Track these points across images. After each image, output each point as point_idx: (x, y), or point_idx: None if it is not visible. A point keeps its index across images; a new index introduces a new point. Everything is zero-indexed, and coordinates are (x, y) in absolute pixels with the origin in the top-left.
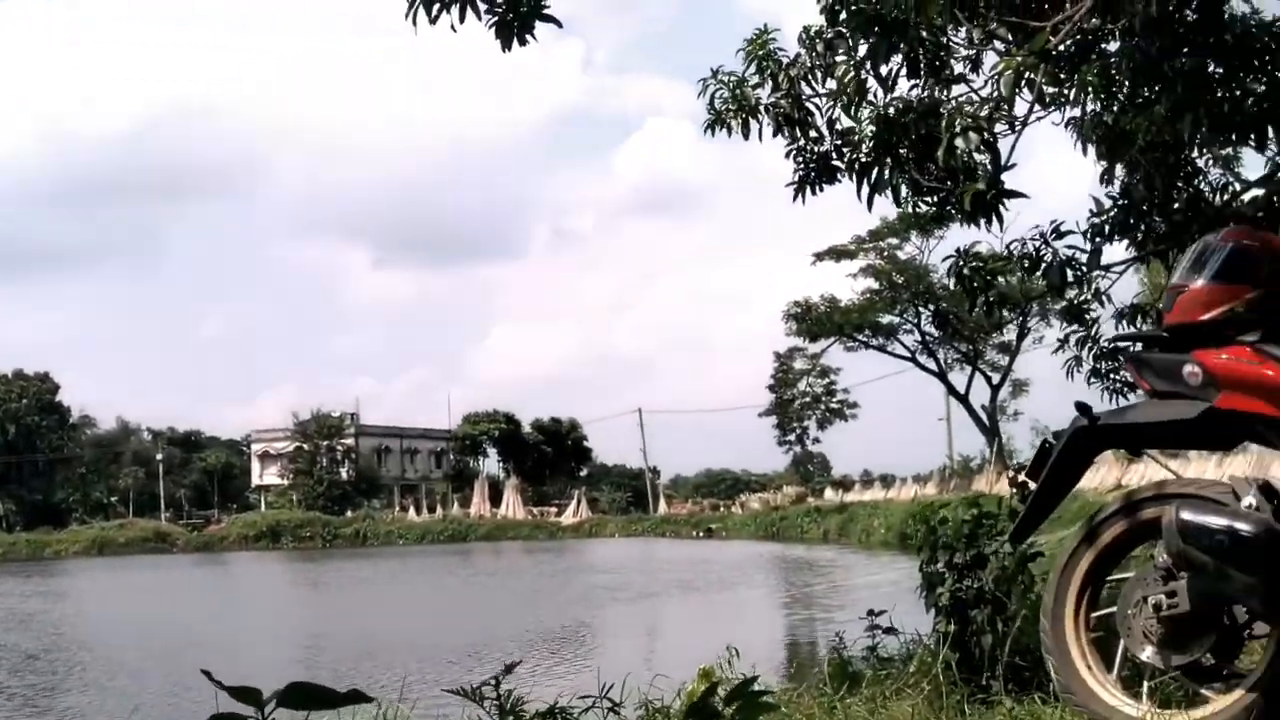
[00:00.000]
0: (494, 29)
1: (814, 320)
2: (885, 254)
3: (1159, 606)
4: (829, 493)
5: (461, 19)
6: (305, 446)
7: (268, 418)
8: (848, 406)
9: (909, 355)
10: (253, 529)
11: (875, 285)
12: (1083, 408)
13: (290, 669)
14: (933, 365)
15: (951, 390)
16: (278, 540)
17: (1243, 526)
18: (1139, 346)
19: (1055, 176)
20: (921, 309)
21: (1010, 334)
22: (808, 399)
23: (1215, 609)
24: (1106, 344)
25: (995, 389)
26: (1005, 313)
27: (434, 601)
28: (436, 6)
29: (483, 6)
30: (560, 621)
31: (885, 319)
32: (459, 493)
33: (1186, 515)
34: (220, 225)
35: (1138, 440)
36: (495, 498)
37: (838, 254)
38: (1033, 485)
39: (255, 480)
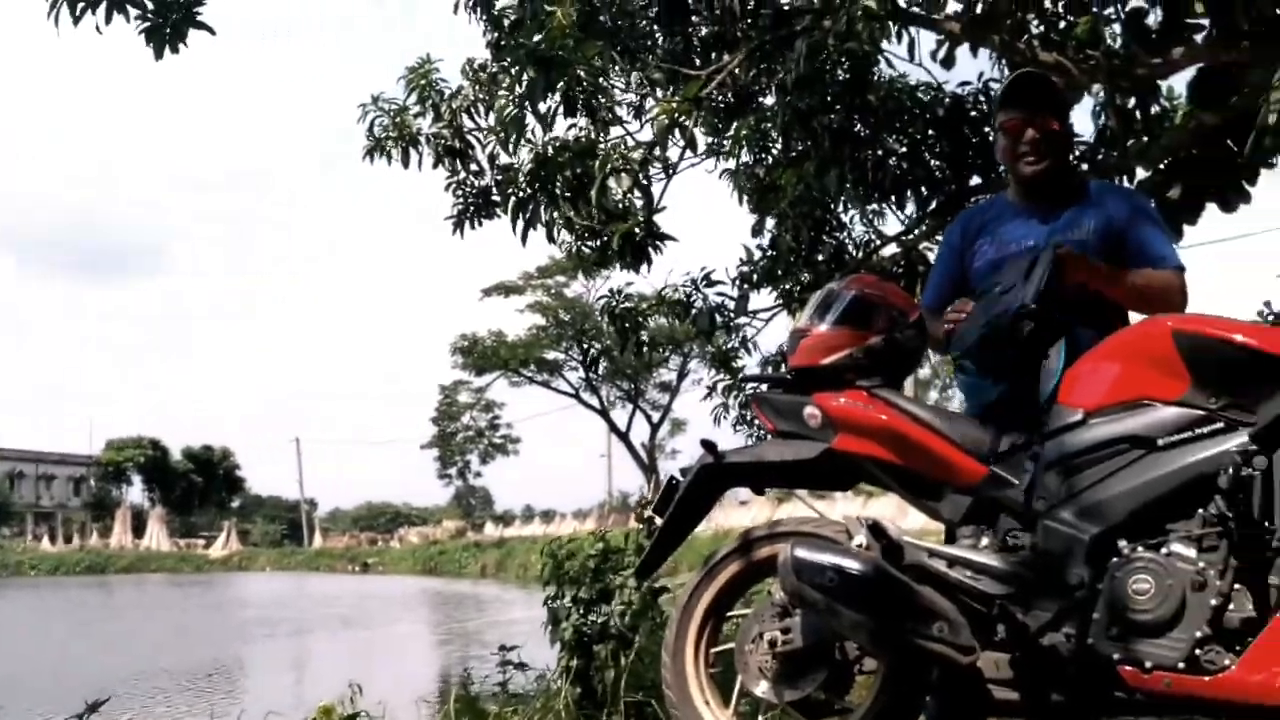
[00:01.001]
0: (144, 34)
1: (480, 354)
2: (553, 291)
3: (774, 642)
4: (490, 527)
5: (108, 20)
6: None
7: None
8: (511, 441)
9: (573, 392)
10: None
11: (542, 321)
12: (709, 445)
13: None
14: (596, 402)
15: (613, 427)
16: None
17: (852, 565)
18: (765, 387)
19: (721, 224)
20: (587, 346)
21: (671, 374)
22: (471, 433)
23: (826, 645)
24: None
25: (655, 427)
26: (663, 352)
27: (62, 636)
28: (81, 5)
29: (134, 12)
30: (194, 658)
31: (551, 355)
32: (99, 522)
33: (800, 553)
34: None
35: (761, 478)
36: (140, 528)
37: (506, 290)
38: (659, 521)
39: None
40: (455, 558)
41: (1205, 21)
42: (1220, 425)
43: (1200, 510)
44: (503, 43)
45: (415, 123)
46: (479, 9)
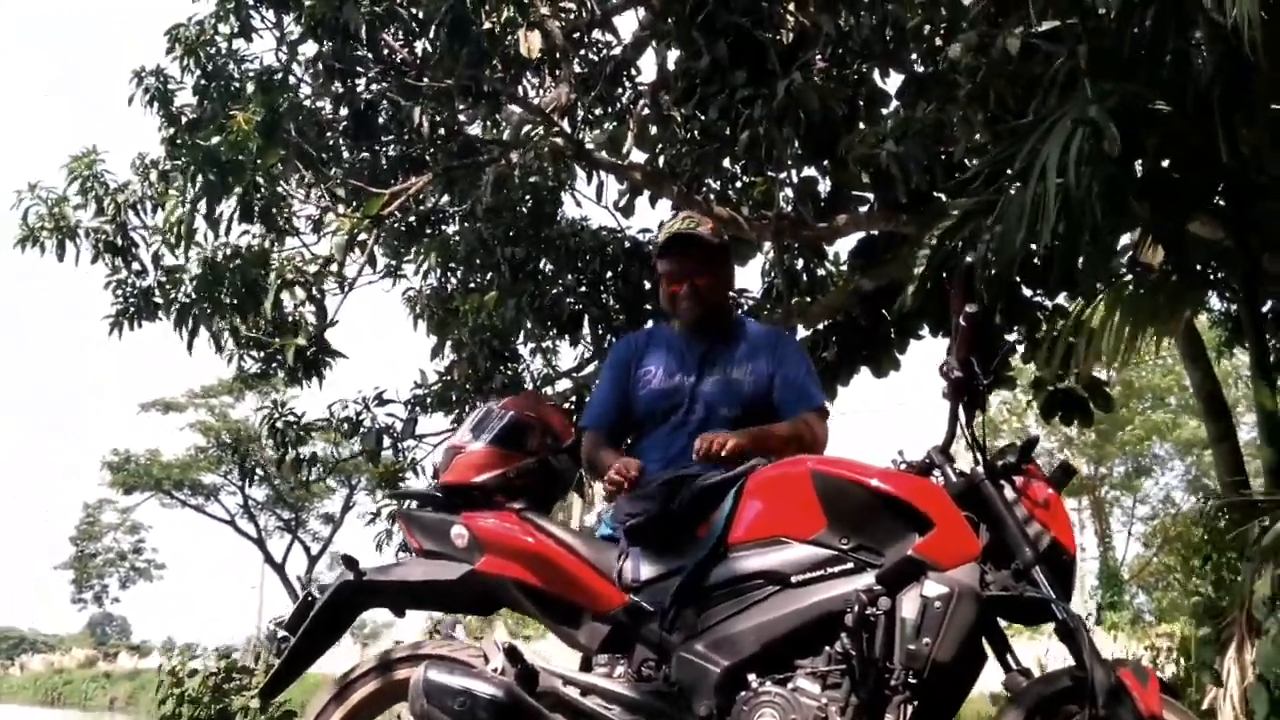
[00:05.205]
0: None
1: (131, 472)
2: (217, 412)
3: None
4: (125, 658)
5: None
6: None
7: None
8: (155, 566)
9: (228, 518)
10: None
11: (202, 442)
12: (349, 561)
13: None
14: (252, 530)
15: (268, 558)
16: None
17: (484, 689)
18: (414, 504)
19: (397, 343)
20: (249, 466)
21: (335, 505)
22: (113, 555)
23: None
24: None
25: (313, 560)
26: (324, 471)
27: None
28: None
29: None
30: None
31: (208, 479)
32: None
33: (432, 675)
34: None
35: (403, 599)
36: None
37: (166, 406)
38: (292, 639)
39: None
40: (82, 688)
41: (869, 195)
42: (850, 565)
43: (827, 648)
44: (179, 140)
45: (75, 215)
46: (155, 103)
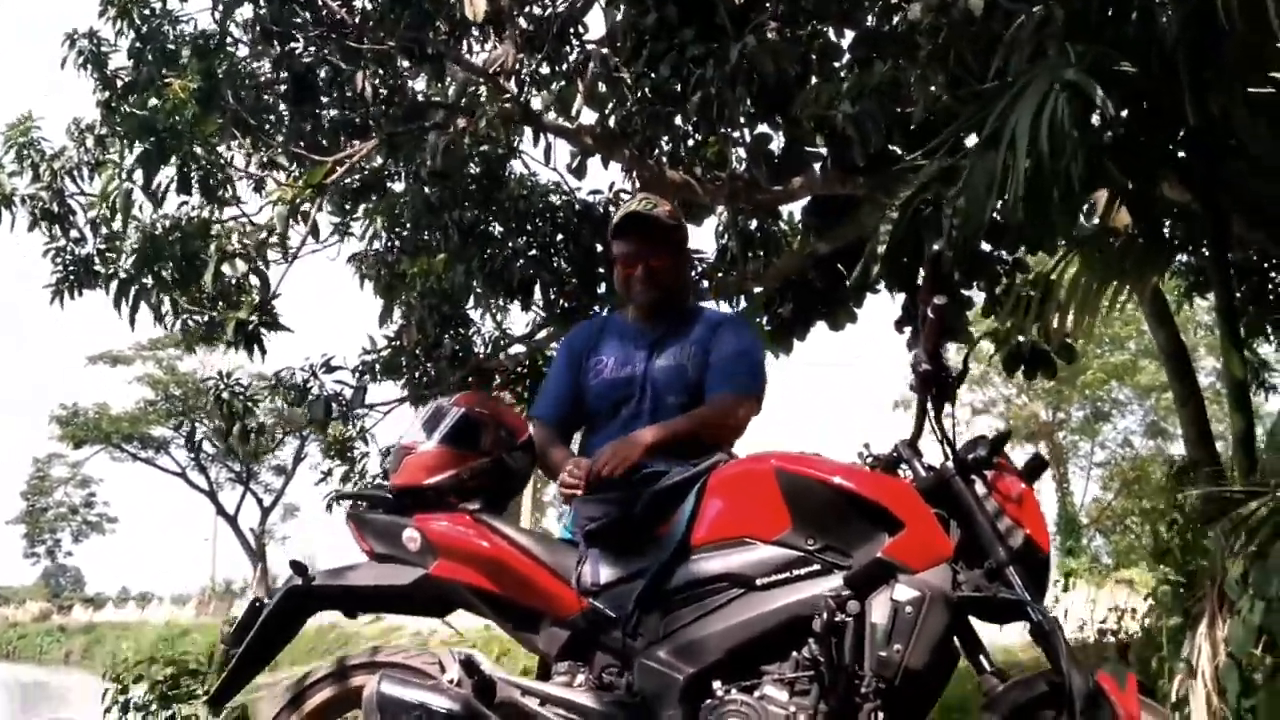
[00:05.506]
0: None
1: (80, 425)
2: (165, 365)
3: None
4: (79, 610)
5: None
6: None
7: None
8: (107, 520)
9: (179, 471)
10: None
11: (151, 395)
12: (298, 566)
13: None
14: (203, 482)
15: (220, 510)
16: None
17: (439, 702)
18: (365, 506)
19: (347, 306)
20: (197, 424)
21: (286, 457)
22: (64, 509)
23: None
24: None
25: (266, 512)
26: (273, 440)
27: None
28: None
29: None
30: None
31: (158, 431)
32: None
33: (386, 688)
34: None
35: (353, 603)
36: None
37: (114, 359)
38: (245, 643)
39: None
40: (36, 642)
41: (824, 150)
42: (817, 567)
43: (795, 653)
44: (114, 104)
45: (11, 182)
46: (89, 66)
